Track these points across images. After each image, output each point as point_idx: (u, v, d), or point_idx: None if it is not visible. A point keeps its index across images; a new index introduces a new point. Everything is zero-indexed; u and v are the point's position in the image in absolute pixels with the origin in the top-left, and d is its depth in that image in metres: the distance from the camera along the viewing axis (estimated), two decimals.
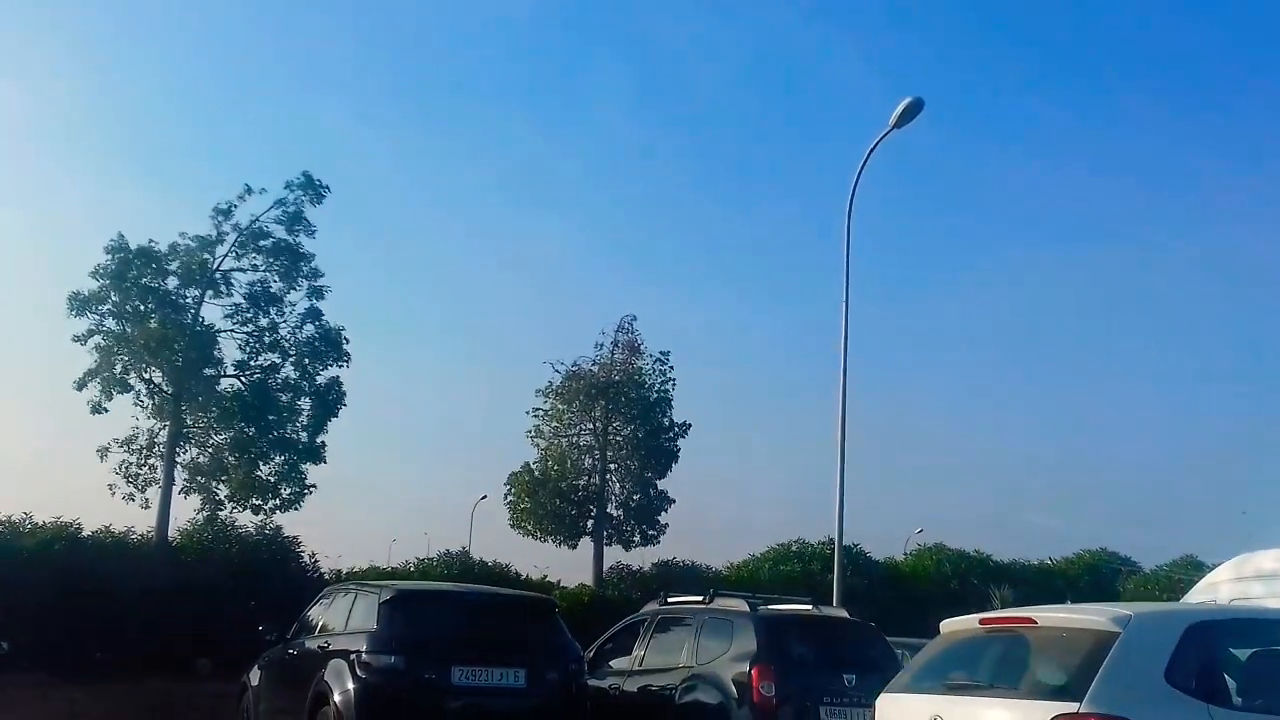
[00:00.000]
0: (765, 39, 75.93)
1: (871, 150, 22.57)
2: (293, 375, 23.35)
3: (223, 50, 71.28)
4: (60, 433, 58.14)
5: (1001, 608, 26.81)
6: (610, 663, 13.26)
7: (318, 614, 12.77)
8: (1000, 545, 33.86)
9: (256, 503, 22.88)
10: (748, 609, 12.44)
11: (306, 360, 23.34)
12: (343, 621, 11.60)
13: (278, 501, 23.01)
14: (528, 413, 27.93)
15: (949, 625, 7.37)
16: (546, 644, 11.36)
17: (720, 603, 13.03)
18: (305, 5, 73.79)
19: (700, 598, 13.40)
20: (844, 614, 13.30)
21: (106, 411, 22.87)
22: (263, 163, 67.78)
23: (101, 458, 22.93)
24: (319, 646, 11.56)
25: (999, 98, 75.02)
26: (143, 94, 68.19)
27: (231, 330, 23.44)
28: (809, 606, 13.59)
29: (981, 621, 7.00)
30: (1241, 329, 65.46)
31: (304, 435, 23.28)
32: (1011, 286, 70.84)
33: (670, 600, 14.06)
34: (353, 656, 10.67)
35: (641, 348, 27.96)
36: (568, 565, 32.01)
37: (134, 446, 23.04)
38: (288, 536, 23.29)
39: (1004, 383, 70.58)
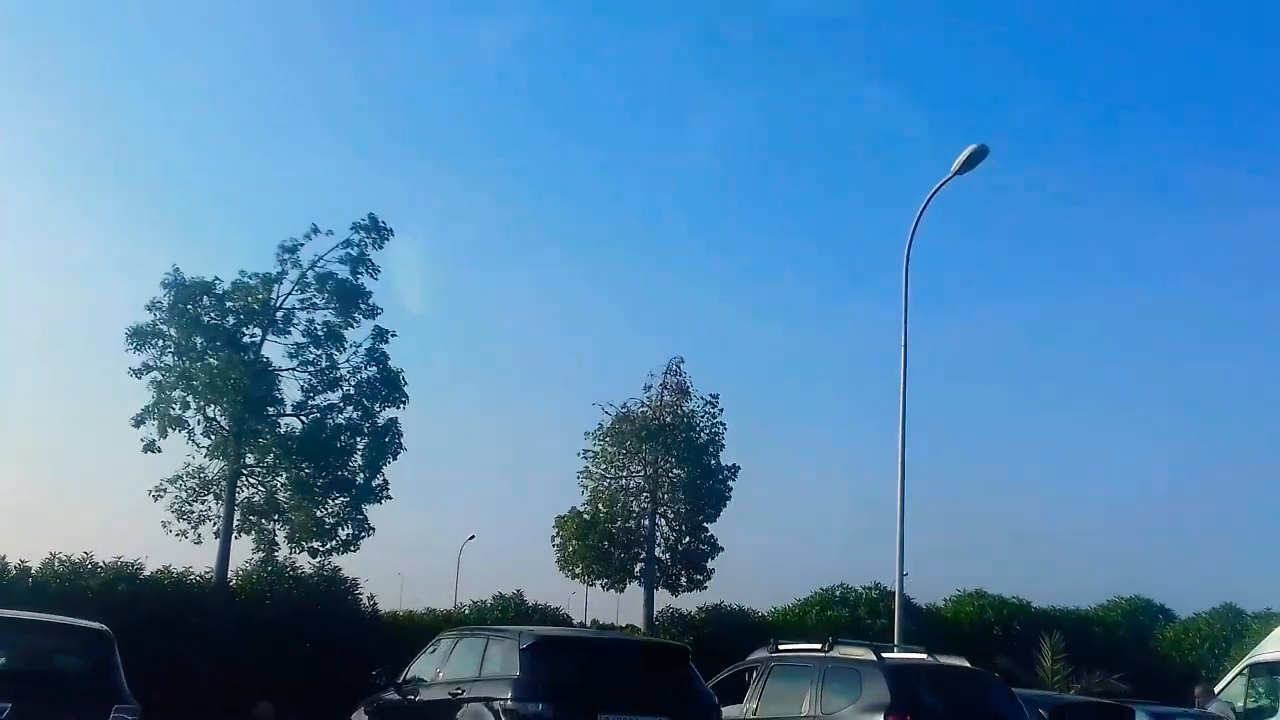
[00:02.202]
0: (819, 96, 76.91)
1: (931, 196, 22.74)
2: (354, 415, 23.17)
3: (237, 96, 72.09)
4: (116, 470, 57.70)
5: (1053, 656, 26.82)
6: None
7: (435, 660, 12.59)
8: (1017, 588, 33.43)
9: (315, 545, 22.62)
10: (874, 657, 12.33)
11: (365, 401, 23.18)
12: (475, 668, 11.43)
13: (335, 543, 22.76)
14: (578, 454, 27.83)
15: None
16: (685, 692, 11.24)
17: (842, 650, 12.91)
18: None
19: (818, 645, 13.29)
20: (964, 663, 13.15)
21: (159, 451, 22.69)
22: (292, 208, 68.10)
23: (155, 499, 22.74)
24: (450, 693, 11.38)
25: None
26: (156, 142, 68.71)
27: (293, 369, 23.29)
28: (924, 655, 13.49)
29: None
30: None
31: (360, 476, 23.04)
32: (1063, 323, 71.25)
33: (782, 647, 13.94)
34: (495, 704, 10.51)
35: (690, 390, 27.92)
36: (610, 609, 31.51)
37: (186, 484, 22.82)
38: (347, 578, 23.09)
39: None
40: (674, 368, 28.11)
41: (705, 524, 27.25)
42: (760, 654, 14.05)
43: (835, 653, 12.81)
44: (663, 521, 27.44)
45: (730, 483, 27.38)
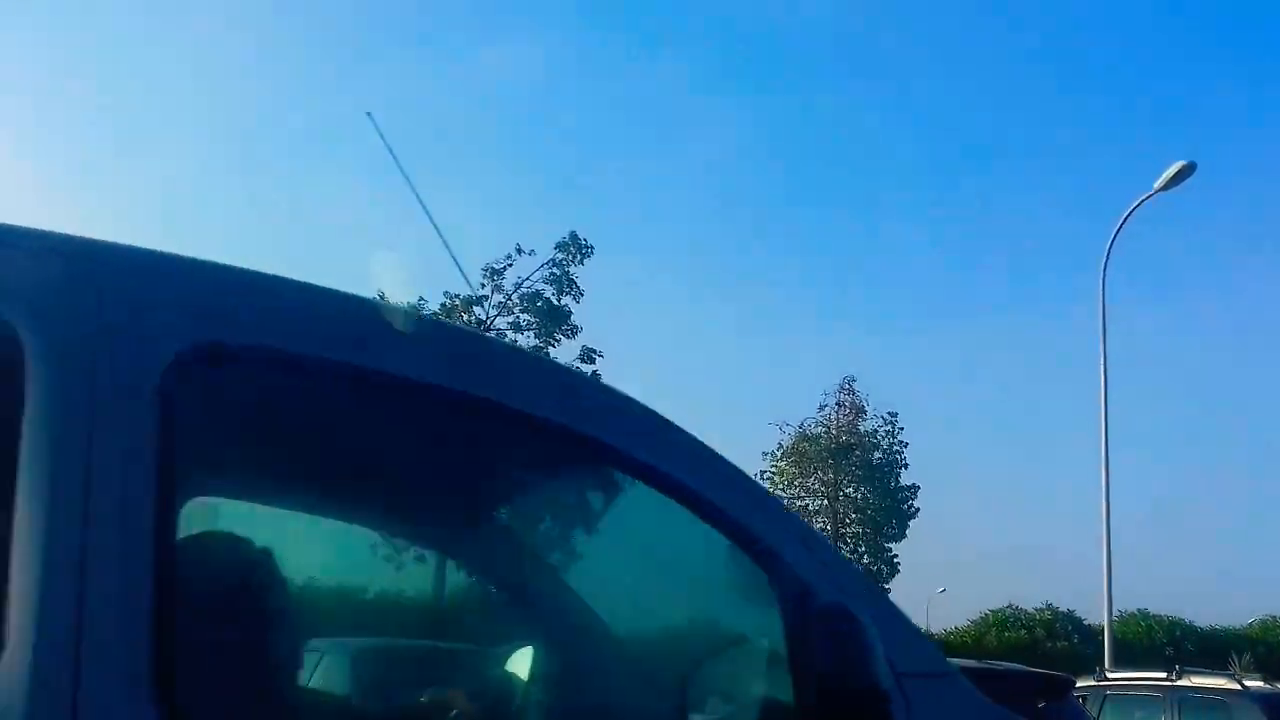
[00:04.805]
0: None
1: (1131, 211, 22.48)
2: None
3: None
4: None
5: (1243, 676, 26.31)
6: None
7: None
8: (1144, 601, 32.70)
9: None
10: (1240, 687, 12.01)
11: None
12: None
13: None
14: (756, 475, 27.58)
15: None
16: None
17: (1196, 679, 12.58)
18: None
19: (1163, 674, 12.98)
20: None
21: None
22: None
23: None
24: None
25: None
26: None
27: None
28: (1262, 683, 13.16)
29: None
30: None
31: None
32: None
33: (1110, 676, 13.63)
34: None
35: (866, 408, 27.68)
36: None
37: None
38: None
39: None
40: (847, 386, 27.86)
41: (888, 544, 26.95)
42: (1087, 681, 13.72)
43: (1186, 681, 12.49)
44: (841, 544, 27.16)
45: (913, 503, 27.06)
